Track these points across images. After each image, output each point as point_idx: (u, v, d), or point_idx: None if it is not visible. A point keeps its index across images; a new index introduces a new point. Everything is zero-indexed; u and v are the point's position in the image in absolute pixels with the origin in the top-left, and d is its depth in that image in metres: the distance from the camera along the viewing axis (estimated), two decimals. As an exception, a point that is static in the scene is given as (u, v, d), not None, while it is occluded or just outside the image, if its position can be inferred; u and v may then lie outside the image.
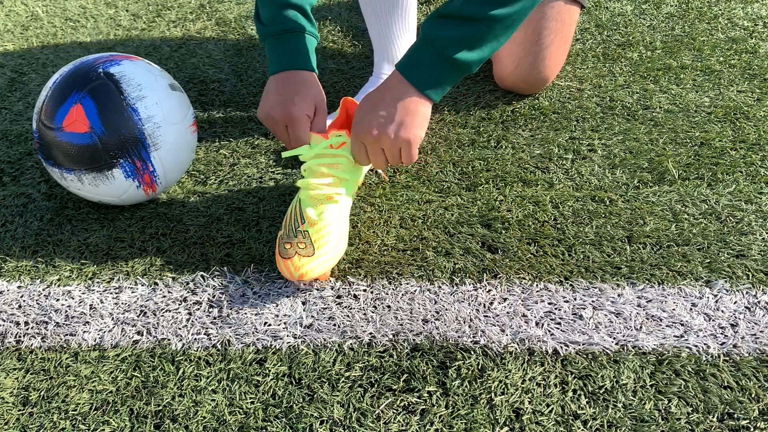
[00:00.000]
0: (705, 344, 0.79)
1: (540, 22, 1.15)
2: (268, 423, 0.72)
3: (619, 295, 0.85)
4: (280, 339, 0.81)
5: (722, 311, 0.83)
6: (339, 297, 0.87)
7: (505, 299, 0.85)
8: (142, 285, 0.90)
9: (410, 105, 0.83)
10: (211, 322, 0.84)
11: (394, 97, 0.84)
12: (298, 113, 0.90)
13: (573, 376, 0.76)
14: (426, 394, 0.75)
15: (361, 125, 0.85)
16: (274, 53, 0.95)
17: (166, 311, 0.86)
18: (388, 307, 0.85)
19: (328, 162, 0.89)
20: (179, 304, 0.87)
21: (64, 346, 0.82)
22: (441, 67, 0.82)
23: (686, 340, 0.79)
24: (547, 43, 1.16)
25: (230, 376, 0.78)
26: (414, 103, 0.83)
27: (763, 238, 0.93)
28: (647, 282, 0.87)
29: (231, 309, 0.86)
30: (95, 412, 0.75)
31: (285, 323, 0.83)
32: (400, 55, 0.95)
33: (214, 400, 0.75)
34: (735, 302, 0.84)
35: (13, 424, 0.74)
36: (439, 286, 0.87)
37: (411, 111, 0.84)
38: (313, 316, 0.84)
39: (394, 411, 0.73)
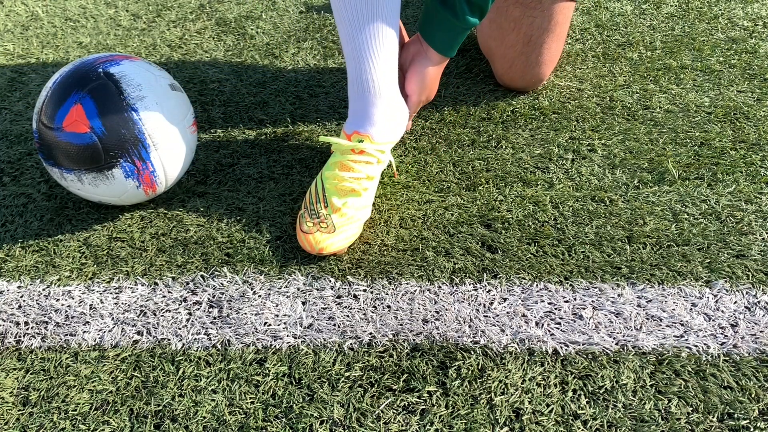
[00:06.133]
0: (705, 344, 0.79)
1: (530, 27, 1.16)
2: (268, 423, 0.72)
3: (619, 295, 0.85)
4: (280, 339, 0.81)
5: (722, 311, 0.83)
6: (339, 297, 0.87)
7: (505, 299, 0.85)
8: (142, 285, 0.90)
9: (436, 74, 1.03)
10: (211, 322, 0.84)
11: (433, 75, 1.02)
12: None
13: (573, 376, 0.76)
14: (426, 394, 0.75)
15: (415, 95, 1.03)
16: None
17: (166, 311, 0.86)
18: (388, 307, 0.85)
19: (359, 159, 0.94)
20: (179, 304, 0.87)
21: (64, 346, 0.82)
22: (459, 34, 0.99)
23: (686, 340, 0.79)
24: (539, 43, 1.17)
25: (230, 376, 0.78)
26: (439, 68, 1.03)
27: (763, 238, 0.93)
28: (647, 282, 0.87)
29: (231, 309, 0.86)
30: (95, 412, 0.75)
31: (285, 323, 0.83)
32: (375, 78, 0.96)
33: (214, 400, 0.75)
34: (735, 302, 0.84)
35: (13, 424, 0.74)
36: (439, 286, 0.87)
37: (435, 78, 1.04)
38: (313, 316, 0.84)
39: (394, 411, 0.73)
